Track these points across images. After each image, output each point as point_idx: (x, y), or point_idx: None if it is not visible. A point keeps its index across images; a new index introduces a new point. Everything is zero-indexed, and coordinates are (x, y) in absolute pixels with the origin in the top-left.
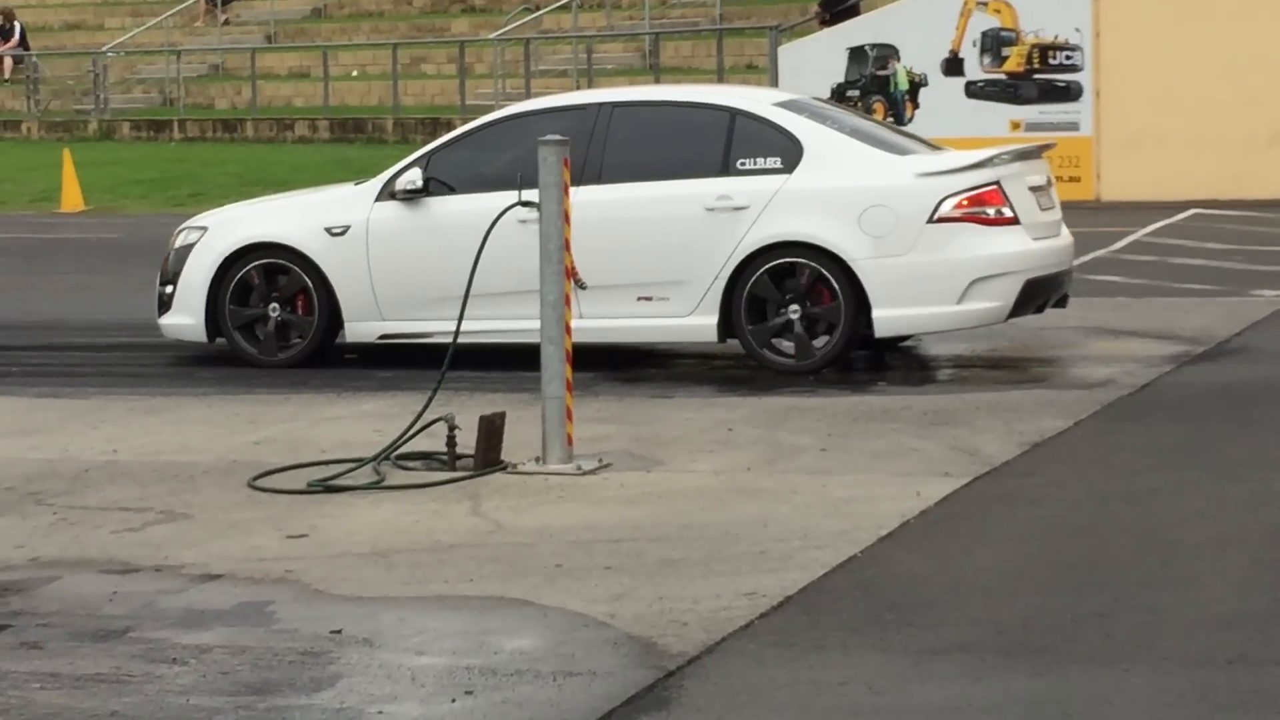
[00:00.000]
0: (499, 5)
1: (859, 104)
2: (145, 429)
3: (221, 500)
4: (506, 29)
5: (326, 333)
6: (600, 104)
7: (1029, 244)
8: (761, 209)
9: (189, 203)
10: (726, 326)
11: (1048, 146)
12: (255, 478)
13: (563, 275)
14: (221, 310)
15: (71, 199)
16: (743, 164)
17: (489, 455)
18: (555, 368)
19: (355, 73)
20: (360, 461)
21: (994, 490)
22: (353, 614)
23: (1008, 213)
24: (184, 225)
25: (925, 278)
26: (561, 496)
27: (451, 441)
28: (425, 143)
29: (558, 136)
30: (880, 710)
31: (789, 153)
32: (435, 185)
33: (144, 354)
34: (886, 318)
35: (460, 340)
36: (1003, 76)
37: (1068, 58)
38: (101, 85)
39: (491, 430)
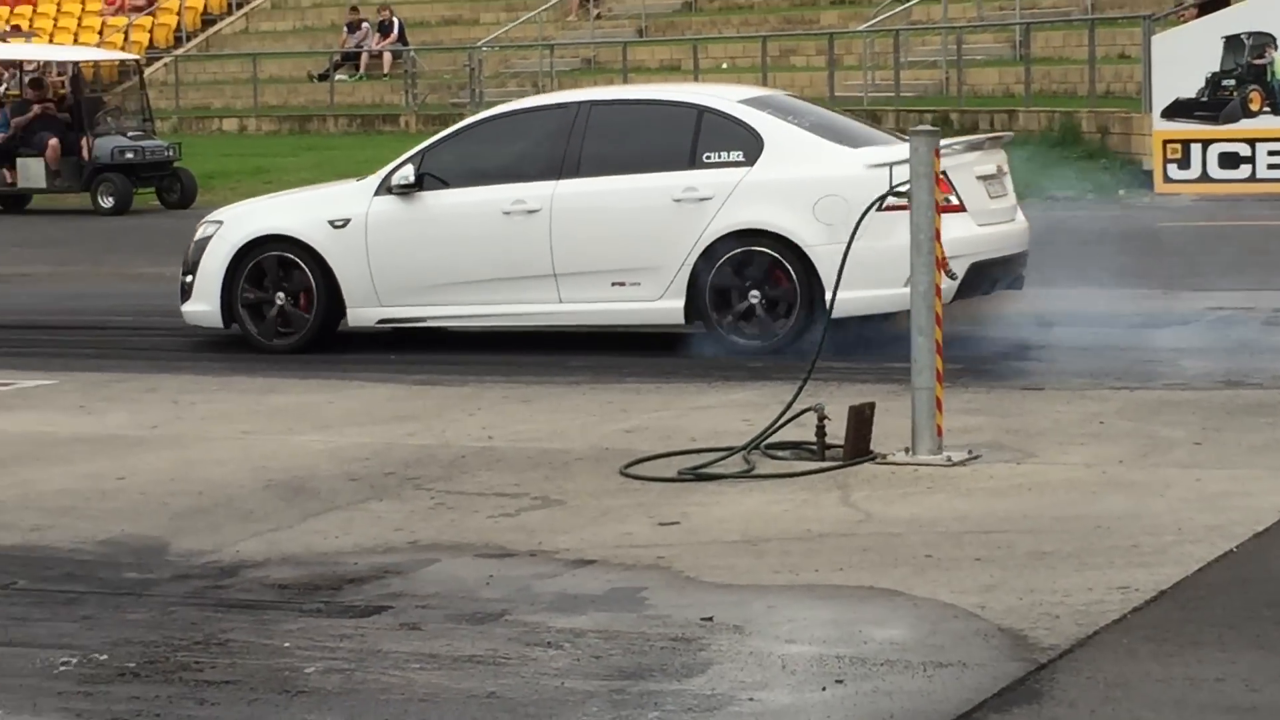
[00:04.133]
0: None
1: (1234, 93)
2: (519, 416)
3: (594, 487)
4: (876, 20)
5: (326, 319)
6: (580, 102)
7: (974, 230)
8: (724, 199)
9: None
10: (693, 309)
11: (1000, 139)
12: (627, 465)
13: (933, 265)
14: (235, 298)
15: None
16: (708, 158)
17: (858, 445)
18: (925, 359)
19: (725, 65)
20: (730, 450)
21: None
22: (723, 601)
23: (954, 200)
24: (204, 219)
25: (875, 262)
26: (931, 487)
27: (821, 431)
28: None
29: (929, 127)
30: (1258, 708)
31: (751, 146)
32: (430, 180)
33: (518, 344)
34: (840, 300)
35: (449, 324)
36: None
37: None
38: (477, 79)
39: (861, 420)
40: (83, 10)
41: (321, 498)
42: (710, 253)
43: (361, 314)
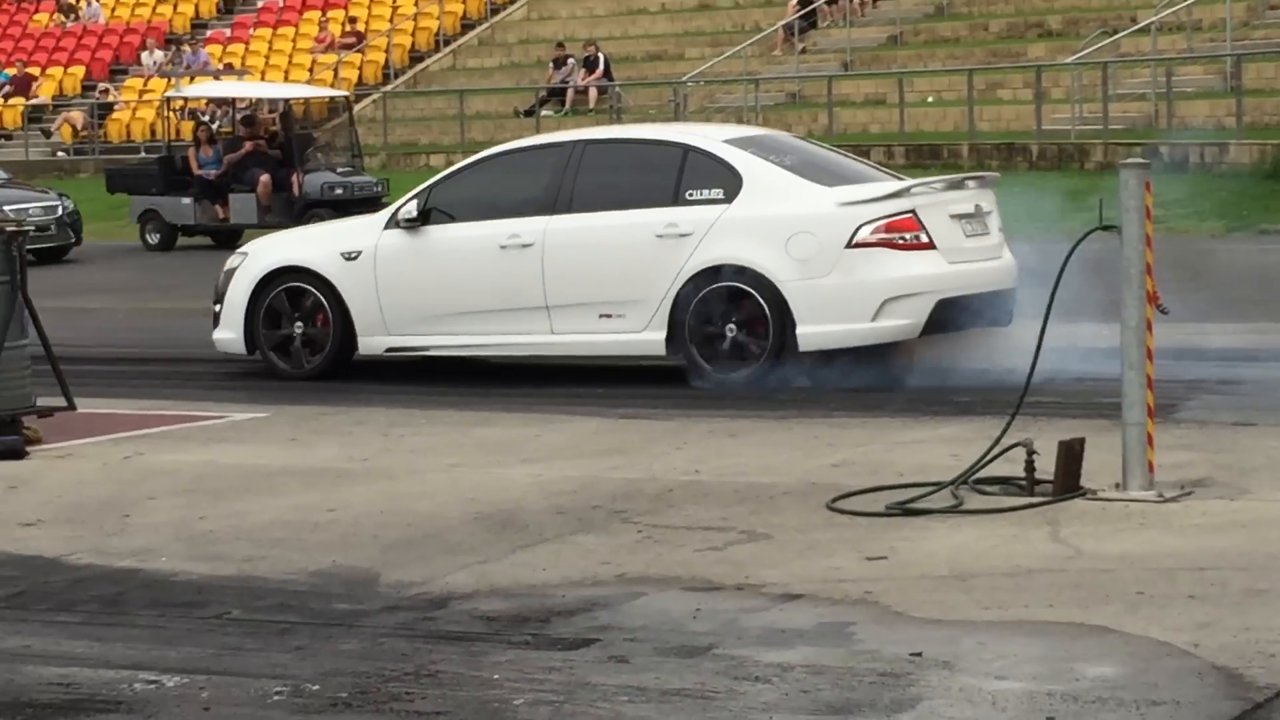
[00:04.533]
0: (1076, 29)
1: None
2: (726, 450)
3: (801, 521)
4: (1084, 53)
5: (341, 348)
6: (575, 141)
7: (943, 267)
8: (703, 235)
9: None
10: (674, 341)
11: (984, 179)
12: (834, 500)
13: (1144, 300)
14: (256, 326)
15: None
16: (690, 195)
17: (1068, 481)
18: (1136, 394)
19: (931, 99)
20: (938, 485)
21: None
22: (932, 636)
23: (923, 238)
24: (234, 251)
25: (843, 297)
26: (1142, 523)
27: (1030, 466)
28: (999, 168)
29: (1140, 160)
30: None
31: (730, 184)
32: (436, 215)
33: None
34: (809, 334)
35: (450, 354)
36: None
37: None
38: (682, 114)
39: (1071, 456)
40: (293, 48)
41: (529, 530)
42: (689, 287)
43: (371, 342)
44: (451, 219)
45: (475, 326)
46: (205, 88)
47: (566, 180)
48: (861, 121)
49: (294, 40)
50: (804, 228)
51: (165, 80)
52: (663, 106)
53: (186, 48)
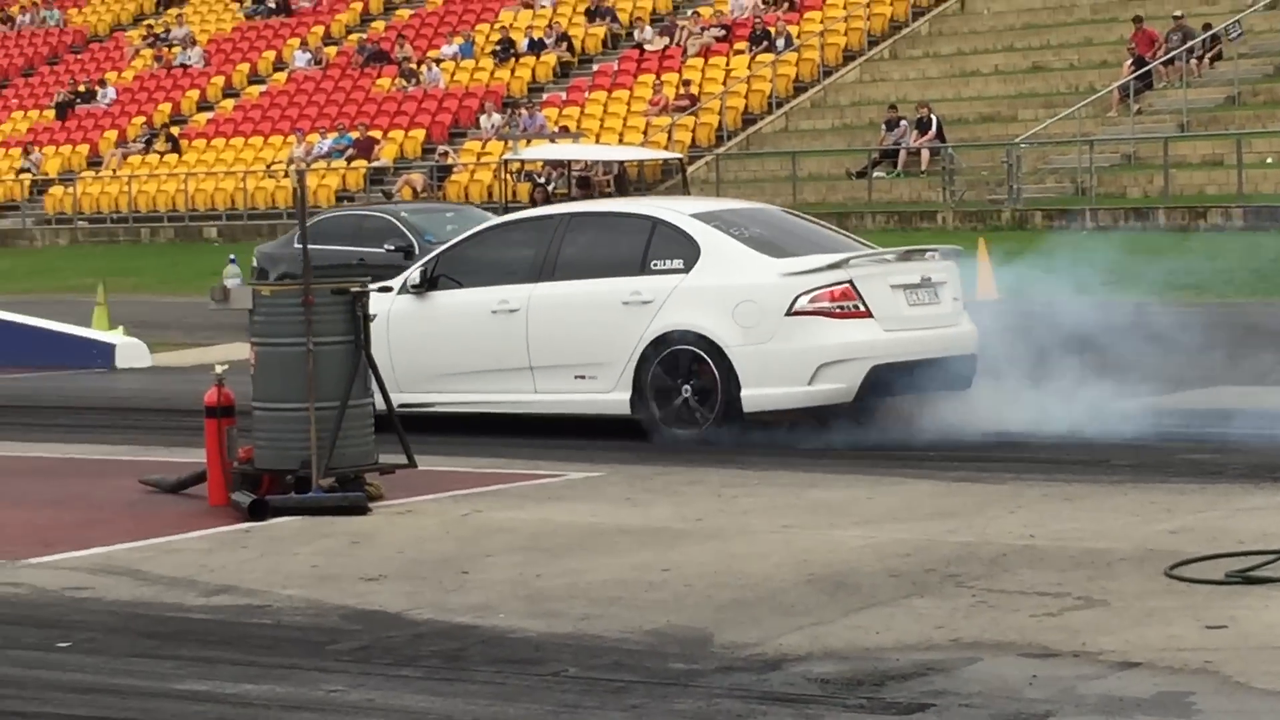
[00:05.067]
0: None
1: None
2: (1061, 515)
3: (1138, 588)
4: None
5: None
6: (561, 214)
7: (878, 334)
8: (662, 303)
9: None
10: (638, 401)
11: (936, 251)
12: (1172, 566)
13: None
14: None
15: (984, 286)
16: (655, 265)
17: None
18: None
19: (1270, 160)
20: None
21: None
22: (1276, 709)
23: (860, 307)
24: None
25: (782, 362)
26: None
27: None
28: None
29: None
30: None
31: (690, 255)
32: (445, 281)
33: (1057, 441)
34: (752, 396)
35: (450, 410)
36: None
37: None
38: (1014, 175)
39: None
40: (628, 111)
41: (862, 593)
42: (650, 351)
43: None
44: (457, 285)
45: (472, 385)
46: (541, 150)
47: (551, 250)
48: (1198, 183)
49: (628, 103)
50: (749, 296)
51: (502, 143)
52: (995, 168)
53: (523, 111)
